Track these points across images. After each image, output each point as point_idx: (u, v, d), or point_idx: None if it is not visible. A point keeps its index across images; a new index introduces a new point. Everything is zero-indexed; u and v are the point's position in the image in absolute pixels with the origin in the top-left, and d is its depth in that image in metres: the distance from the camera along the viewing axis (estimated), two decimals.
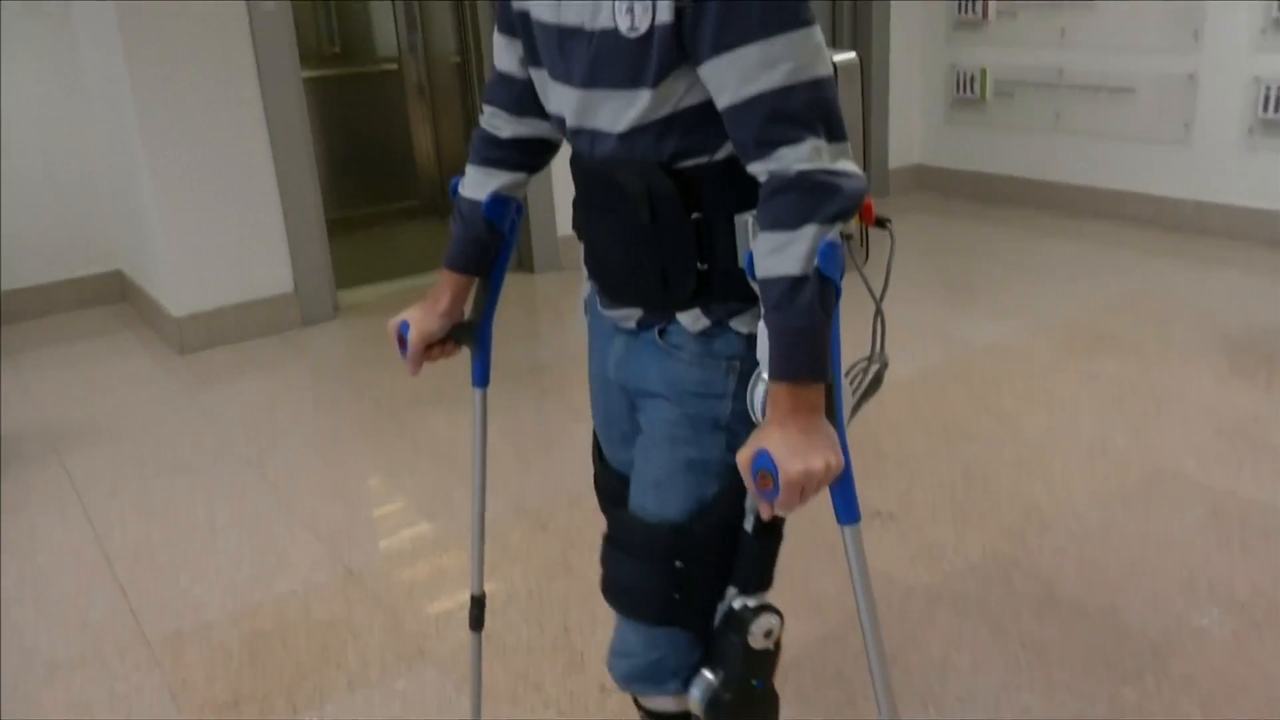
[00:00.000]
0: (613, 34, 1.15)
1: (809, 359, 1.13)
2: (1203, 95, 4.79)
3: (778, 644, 1.29)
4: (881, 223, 1.23)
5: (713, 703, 1.28)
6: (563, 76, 1.24)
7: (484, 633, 1.80)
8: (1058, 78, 5.33)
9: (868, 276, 1.21)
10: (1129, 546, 2.47)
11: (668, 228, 1.22)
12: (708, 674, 1.28)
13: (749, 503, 1.24)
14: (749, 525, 1.25)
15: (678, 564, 1.26)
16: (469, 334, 1.54)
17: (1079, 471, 2.84)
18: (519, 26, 1.31)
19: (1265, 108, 4.57)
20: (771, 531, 1.26)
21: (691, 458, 1.27)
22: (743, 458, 1.14)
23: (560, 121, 1.29)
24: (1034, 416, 3.20)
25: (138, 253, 4.53)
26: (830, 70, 1.13)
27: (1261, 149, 4.63)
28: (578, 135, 1.27)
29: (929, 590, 2.34)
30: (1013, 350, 3.74)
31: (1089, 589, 2.31)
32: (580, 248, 1.39)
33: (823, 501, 1.21)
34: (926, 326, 4.00)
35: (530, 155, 1.46)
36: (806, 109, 1.10)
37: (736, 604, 1.26)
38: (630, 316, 1.33)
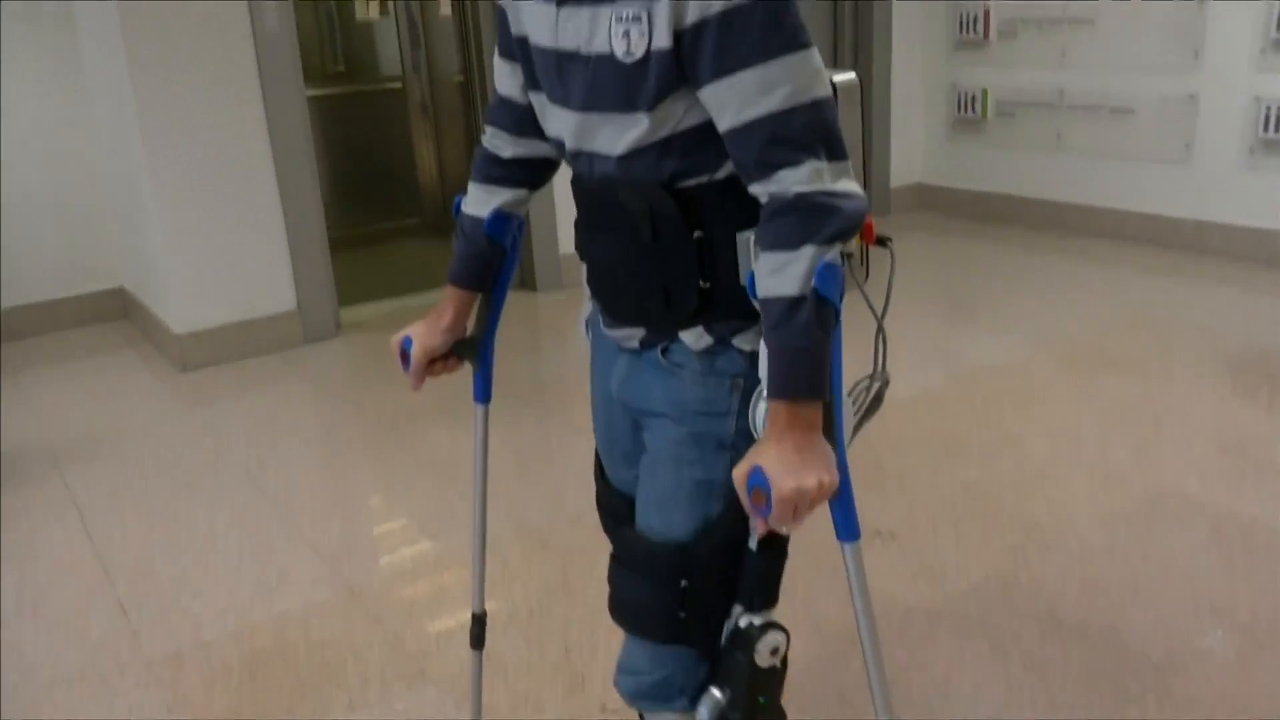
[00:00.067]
0: (609, 59, 1.16)
1: (807, 377, 1.13)
2: (1203, 115, 4.80)
3: (784, 662, 1.29)
4: (882, 241, 1.24)
5: None
6: (561, 100, 1.25)
7: (485, 652, 1.80)
8: (1058, 98, 5.35)
9: (869, 295, 1.22)
10: (1131, 566, 2.46)
11: (669, 246, 1.23)
12: (715, 692, 1.29)
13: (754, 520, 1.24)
14: (753, 543, 1.25)
15: (683, 583, 1.27)
16: (471, 349, 1.55)
17: (1081, 491, 2.84)
18: (518, 51, 1.32)
19: (1265, 127, 4.58)
20: (776, 549, 1.26)
21: (696, 477, 1.28)
22: (738, 474, 1.15)
23: (560, 144, 1.30)
24: (1035, 436, 3.19)
25: (140, 270, 4.54)
26: (829, 91, 1.13)
27: (1262, 169, 4.64)
28: (577, 157, 1.28)
29: (930, 610, 2.34)
30: (1014, 369, 3.74)
31: (1091, 609, 2.30)
32: (582, 267, 1.40)
33: (825, 520, 1.22)
34: (928, 345, 4.00)
35: (531, 173, 1.48)
36: (806, 131, 1.11)
37: (742, 622, 1.26)
38: (633, 336, 1.33)
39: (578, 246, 1.39)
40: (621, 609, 1.35)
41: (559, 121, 1.27)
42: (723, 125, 1.14)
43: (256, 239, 4.21)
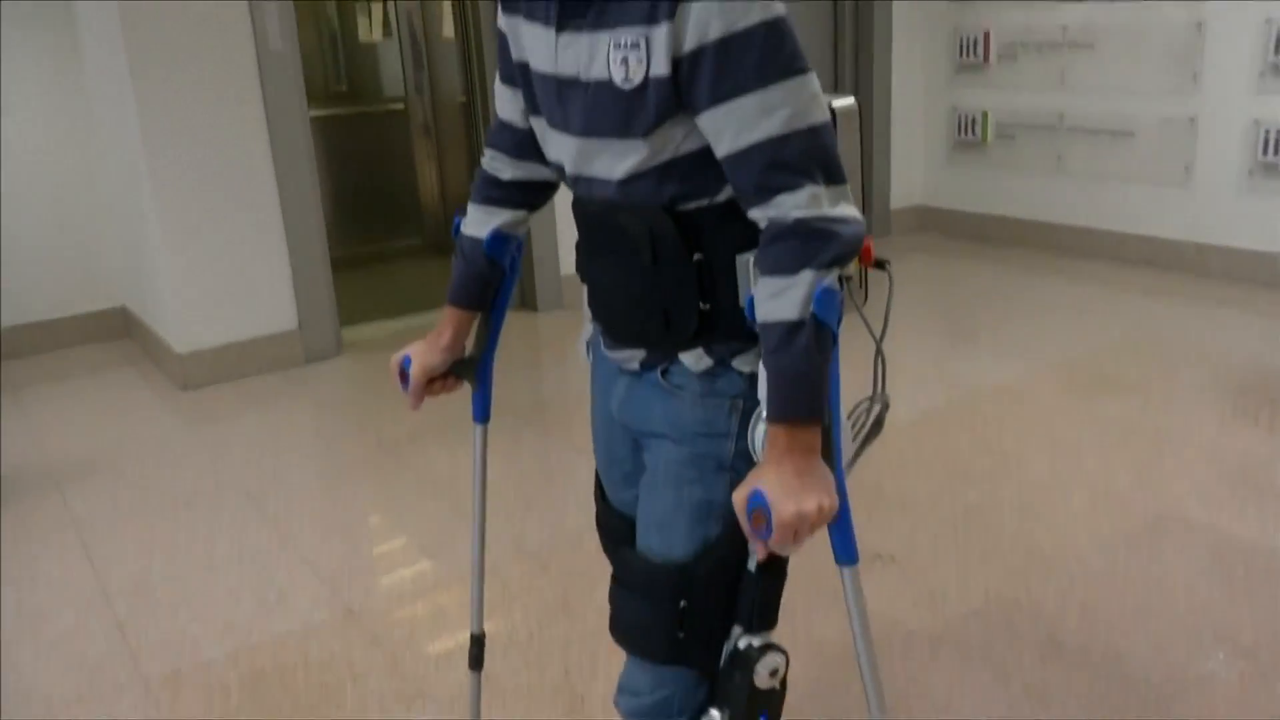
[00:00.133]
0: (608, 85, 1.16)
1: (805, 401, 1.14)
2: (1202, 138, 4.82)
3: (783, 683, 1.29)
4: (880, 264, 1.25)
5: None
6: (561, 125, 1.26)
7: (484, 673, 1.79)
8: (1059, 120, 5.37)
9: (868, 317, 1.22)
10: (1133, 590, 2.46)
11: (669, 269, 1.23)
12: (714, 713, 1.29)
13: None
14: (753, 564, 1.25)
15: (683, 603, 1.27)
16: (470, 369, 1.56)
17: (1082, 514, 2.83)
18: (519, 76, 1.33)
19: (1265, 150, 4.60)
20: (775, 571, 1.26)
21: (696, 497, 1.28)
22: (738, 497, 1.15)
23: (560, 168, 1.31)
24: (1036, 458, 3.19)
25: (142, 289, 4.55)
26: (827, 116, 1.14)
27: (1261, 191, 4.66)
28: (578, 181, 1.29)
29: (931, 633, 2.33)
30: (1014, 392, 3.74)
31: (1092, 633, 2.29)
32: (583, 289, 1.40)
33: (825, 543, 1.21)
34: (928, 367, 4.00)
35: (531, 195, 1.49)
36: (804, 156, 1.12)
37: (742, 643, 1.26)
38: (634, 358, 1.33)
39: (579, 268, 1.40)
40: (621, 629, 1.35)
41: (559, 146, 1.28)
42: (721, 151, 1.14)
43: (258, 258, 4.22)
